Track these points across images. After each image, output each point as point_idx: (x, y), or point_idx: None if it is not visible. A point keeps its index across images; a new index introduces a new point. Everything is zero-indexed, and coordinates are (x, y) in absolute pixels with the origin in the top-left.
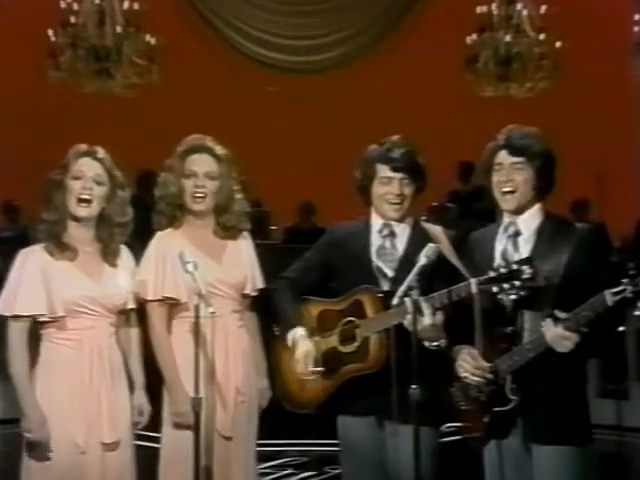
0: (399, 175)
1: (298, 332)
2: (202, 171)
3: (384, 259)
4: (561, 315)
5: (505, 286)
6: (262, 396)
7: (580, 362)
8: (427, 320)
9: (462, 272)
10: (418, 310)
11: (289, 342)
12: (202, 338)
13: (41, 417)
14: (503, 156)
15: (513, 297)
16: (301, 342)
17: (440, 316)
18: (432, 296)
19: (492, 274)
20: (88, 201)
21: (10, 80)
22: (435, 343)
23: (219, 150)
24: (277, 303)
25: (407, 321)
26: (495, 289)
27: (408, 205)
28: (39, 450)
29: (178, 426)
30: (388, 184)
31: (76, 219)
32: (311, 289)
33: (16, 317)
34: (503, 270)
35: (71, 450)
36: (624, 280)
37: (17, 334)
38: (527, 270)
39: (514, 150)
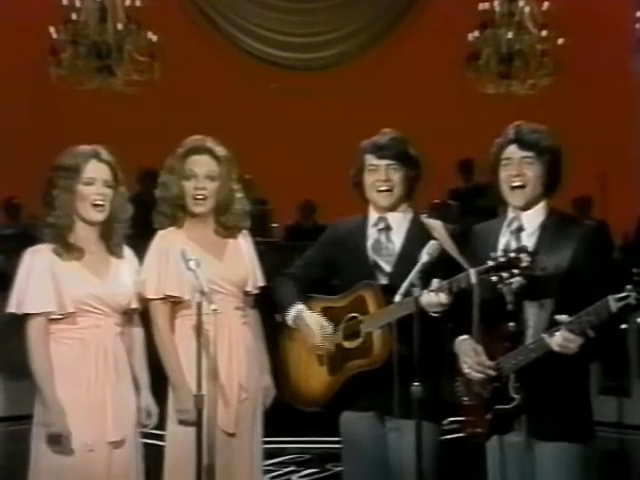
0: (385, 162)
1: (299, 308)
2: (202, 172)
3: (380, 254)
4: (563, 319)
5: (504, 275)
6: (266, 395)
7: (583, 362)
8: (446, 300)
9: (462, 264)
10: (437, 298)
11: (290, 320)
12: (204, 335)
13: (61, 411)
14: (513, 150)
15: (514, 286)
16: (306, 314)
17: (445, 294)
18: (432, 290)
19: (491, 263)
20: (102, 205)
21: (11, 77)
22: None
23: (219, 151)
24: (278, 295)
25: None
26: (494, 278)
27: (400, 193)
28: (61, 444)
29: (183, 423)
30: (375, 171)
31: (89, 222)
32: (313, 286)
33: (29, 315)
34: (502, 259)
35: (79, 449)
36: (628, 286)
37: (34, 332)
38: (525, 258)
39: (524, 144)
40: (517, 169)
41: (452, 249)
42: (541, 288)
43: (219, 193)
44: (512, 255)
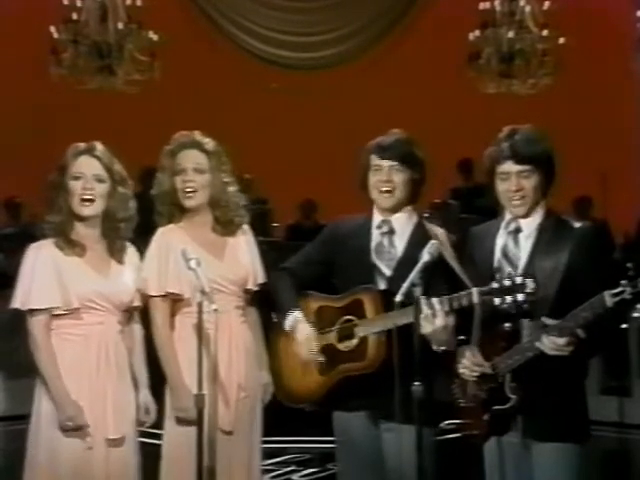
0: (388, 162)
1: (296, 316)
2: (190, 166)
3: (381, 257)
4: (550, 322)
5: (507, 298)
6: (265, 391)
7: (580, 361)
8: (440, 322)
9: (463, 279)
10: (431, 310)
11: (287, 326)
12: (205, 335)
13: (76, 405)
14: (509, 166)
15: (513, 311)
16: (300, 326)
17: (452, 318)
18: (431, 300)
19: (495, 285)
20: (91, 200)
21: (12, 77)
22: (443, 348)
23: (207, 144)
24: (275, 291)
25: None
26: (497, 301)
27: (402, 195)
28: (80, 434)
29: (181, 421)
30: (378, 172)
31: (81, 218)
32: (310, 283)
33: (33, 311)
34: (507, 282)
35: (78, 446)
36: (623, 282)
37: (38, 329)
38: (530, 284)
39: (521, 159)
40: (516, 184)
41: (453, 260)
42: (538, 306)
43: (211, 186)
44: (517, 280)
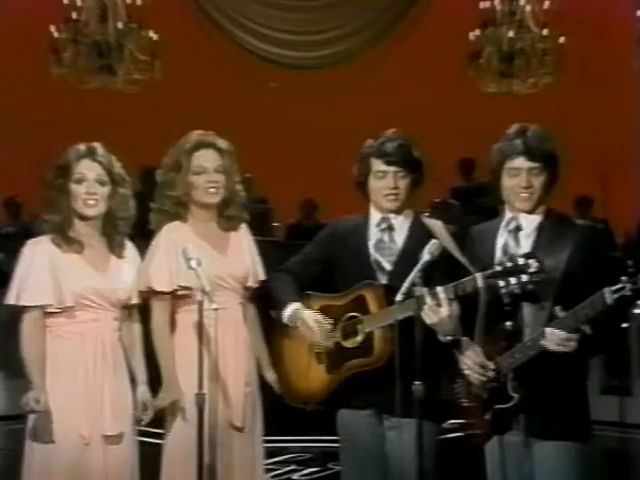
0: (393, 168)
1: (295, 307)
2: (212, 166)
3: (382, 253)
4: (560, 313)
5: (511, 280)
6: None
7: (582, 359)
8: (445, 311)
9: (465, 265)
10: (435, 301)
11: (285, 318)
12: (206, 333)
13: (43, 394)
14: (521, 162)
15: (518, 292)
16: (305, 314)
17: (456, 306)
18: (436, 289)
19: (498, 268)
20: (95, 201)
21: (12, 76)
22: (449, 338)
23: (221, 144)
24: (274, 290)
25: (424, 312)
26: (501, 283)
27: (405, 197)
28: (42, 432)
29: (179, 418)
30: (383, 178)
31: (83, 217)
32: (311, 283)
33: (26, 308)
34: (509, 264)
35: (75, 442)
36: (623, 278)
37: (29, 325)
38: (534, 264)
39: (534, 157)
40: (527, 181)
41: (454, 249)
42: (541, 291)
43: (226, 186)
44: (520, 261)
